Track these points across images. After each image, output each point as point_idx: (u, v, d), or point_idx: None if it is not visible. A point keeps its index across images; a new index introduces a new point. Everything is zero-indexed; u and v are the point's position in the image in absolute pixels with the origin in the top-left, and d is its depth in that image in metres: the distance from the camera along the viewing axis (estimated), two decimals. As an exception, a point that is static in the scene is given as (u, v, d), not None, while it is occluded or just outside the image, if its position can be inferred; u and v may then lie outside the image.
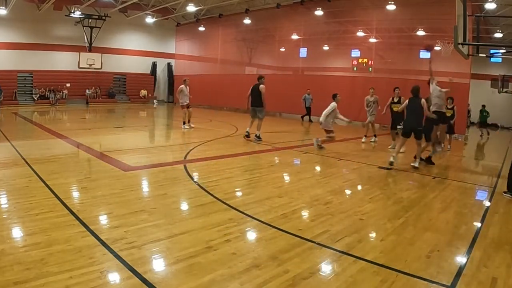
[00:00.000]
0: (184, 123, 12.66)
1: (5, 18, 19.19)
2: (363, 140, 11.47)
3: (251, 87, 10.57)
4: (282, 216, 4.49)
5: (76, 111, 18.82)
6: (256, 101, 10.38)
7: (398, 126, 9.93)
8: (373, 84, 17.05)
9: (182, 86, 12.85)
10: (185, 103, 12.71)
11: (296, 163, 8.35)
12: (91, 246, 3.37)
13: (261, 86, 10.43)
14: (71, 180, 5.69)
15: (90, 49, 22.76)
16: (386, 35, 21.02)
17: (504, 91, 17.15)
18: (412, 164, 7.74)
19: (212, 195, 5.19)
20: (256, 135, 10.38)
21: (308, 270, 3.16)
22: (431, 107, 8.35)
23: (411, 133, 7.82)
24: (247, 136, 10.57)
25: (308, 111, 17.83)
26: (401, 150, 8.50)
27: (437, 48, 17.35)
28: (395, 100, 10.19)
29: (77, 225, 3.84)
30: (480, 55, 9.35)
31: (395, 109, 10.03)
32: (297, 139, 12.15)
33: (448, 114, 9.87)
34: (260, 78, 10.67)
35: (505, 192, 6.06)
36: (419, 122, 7.79)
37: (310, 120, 17.98)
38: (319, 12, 18.48)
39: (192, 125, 12.71)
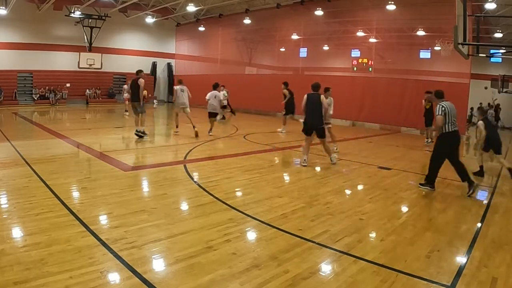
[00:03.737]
0: (127, 111, 16.18)
1: (5, 18, 19.17)
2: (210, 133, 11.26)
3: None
4: (282, 216, 4.49)
5: (76, 111, 18.81)
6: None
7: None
8: (373, 84, 17.16)
9: (125, 86, 16.86)
10: (128, 97, 15.87)
11: (296, 163, 8.35)
12: (91, 246, 3.37)
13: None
14: (71, 180, 5.69)
15: (90, 49, 22.74)
16: (386, 35, 21.02)
17: (504, 91, 17.15)
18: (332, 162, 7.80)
19: (212, 195, 5.19)
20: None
21: (308, 270, 3.16)
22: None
23: (313, 131, 7.58)
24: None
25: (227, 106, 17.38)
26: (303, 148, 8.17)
27: (437, 48, 17.43)
28: None
29: (77, 225, 3.85)
30: (480, 55, 9.35)
31: None
32: (297, 139, 12.14)
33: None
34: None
35: (421, 184, 6.19)
36: (320, 120, 7.49)
37: (231, 113, 17.64)
38: (319, 12, 18.46)
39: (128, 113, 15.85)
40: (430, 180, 6.19)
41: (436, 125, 6.02)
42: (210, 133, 11.28)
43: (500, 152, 7.56)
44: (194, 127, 10.93)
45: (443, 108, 5.88)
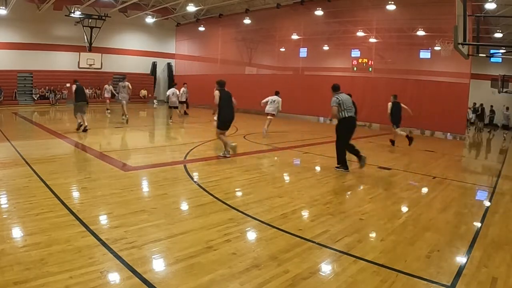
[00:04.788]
0: (109, 109, 17.28)
1: (5, 18, 19.17)
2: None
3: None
4: (282, 216, 4.49)
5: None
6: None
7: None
8: (373, 84, 17.16)
9: (107, 86, 17.97)
10: (109, 97, 17.85)
11: (296, 163, 8.35)
12: (91, 246, 3.37)
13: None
14: (71, 180, 5.69)
15: (90, 49, 22.73)
16: (386, 35, 21.02)
17: (504, 91, 17.13)
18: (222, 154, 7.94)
19: (212, 195, 5.19)
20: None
21: (308, 270, 3.16)
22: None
23: (229, 126, 8.00)
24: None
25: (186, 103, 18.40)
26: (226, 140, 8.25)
27: (437, 48, 17.43)
28: None
29: (77, 225, 3.84)
30: (480, 55, 9.34)
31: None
32: (297, 139, 12.15)
33: None
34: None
35: (337, 167, 7.27)
36: (234, 115, 8.00)
37: (185, 113, 18.17)
38: (319, 12, 18.46)
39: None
40: (341, 161, 7.27)
41: (332, 113, 7.28)
42: (171, 121, 14.66)
43: (398, 126, 10.64)
44: (126, 115, 13.66)
45: (337, 100, 7.16)
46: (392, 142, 11.00)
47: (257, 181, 6.27)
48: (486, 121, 20.09)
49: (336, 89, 7.44)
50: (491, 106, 18.98)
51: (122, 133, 11.95)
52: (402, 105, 10.67)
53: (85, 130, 10.88)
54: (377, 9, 17.31)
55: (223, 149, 7.98)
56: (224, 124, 7.86)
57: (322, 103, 18.16)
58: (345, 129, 7.22)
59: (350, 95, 7.73)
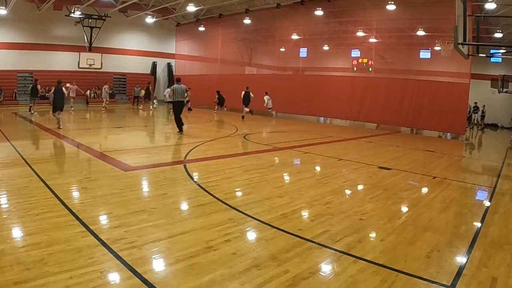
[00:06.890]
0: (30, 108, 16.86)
1: (5, 18, 19.18)
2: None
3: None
4: (282, 216, 4.49)
5: (76, 111, 18.79)
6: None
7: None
8: (373, 84, 17.18)
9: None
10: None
11: (296, 163, 8.35)
12: (91, 246, 3.37)
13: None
14: (71, 180, 5.69)
15: (90, 49, 22.73)
16: (386, 35, 21.03)
17: (504, 91, 17.14)
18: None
19: (212, 195, 5.19)
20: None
21: (308, 270, 3.16)
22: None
23: (61, 109, 11.67)
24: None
25: (137, 99, 23.17)
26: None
27: (437, 48, 17.44)
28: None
29: (77, 225, 3.85)
30: (480, 55, 9.33)
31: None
32: (297, 139, 12.14)
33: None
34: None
35: (177, 133, 11.05)
36: (63, 102, 11.89)
37: (138, 104, 23.17)
38: (319, 12, 18.47)
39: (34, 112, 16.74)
40: (180, 128, 11.22)
41: (169, 95, 11.80)
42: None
43: (247, 106, 17.39)
44: (72, 108, 17.87)
45: (172, 88, 11.25)
46: (243, 117, 16.92)
47: (257, 181, 6.26)
48: None
49: (177, 81, 11.47)
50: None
51: (122, 133, 11.94)
52: (251, 93, 17.31)
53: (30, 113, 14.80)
54: (377, 9, 17.32)
55: (59, 124, 11.48)
56: (56, 108, 11.62)
57: (322, 103, 18.26)
58: (175, 108, 11.24)
59: (188, 88, 11.45)
